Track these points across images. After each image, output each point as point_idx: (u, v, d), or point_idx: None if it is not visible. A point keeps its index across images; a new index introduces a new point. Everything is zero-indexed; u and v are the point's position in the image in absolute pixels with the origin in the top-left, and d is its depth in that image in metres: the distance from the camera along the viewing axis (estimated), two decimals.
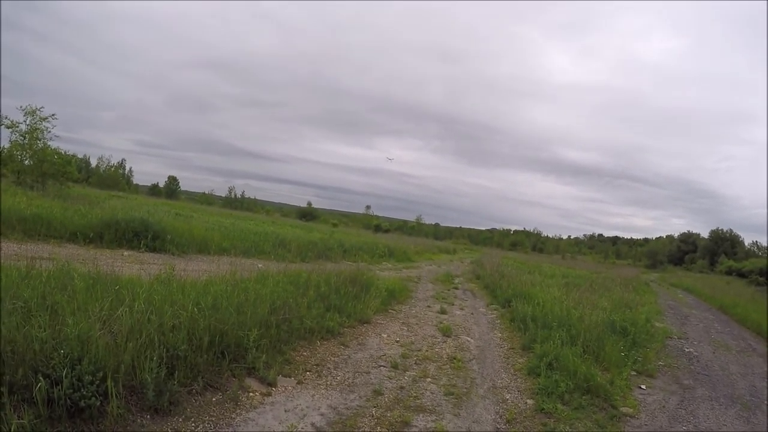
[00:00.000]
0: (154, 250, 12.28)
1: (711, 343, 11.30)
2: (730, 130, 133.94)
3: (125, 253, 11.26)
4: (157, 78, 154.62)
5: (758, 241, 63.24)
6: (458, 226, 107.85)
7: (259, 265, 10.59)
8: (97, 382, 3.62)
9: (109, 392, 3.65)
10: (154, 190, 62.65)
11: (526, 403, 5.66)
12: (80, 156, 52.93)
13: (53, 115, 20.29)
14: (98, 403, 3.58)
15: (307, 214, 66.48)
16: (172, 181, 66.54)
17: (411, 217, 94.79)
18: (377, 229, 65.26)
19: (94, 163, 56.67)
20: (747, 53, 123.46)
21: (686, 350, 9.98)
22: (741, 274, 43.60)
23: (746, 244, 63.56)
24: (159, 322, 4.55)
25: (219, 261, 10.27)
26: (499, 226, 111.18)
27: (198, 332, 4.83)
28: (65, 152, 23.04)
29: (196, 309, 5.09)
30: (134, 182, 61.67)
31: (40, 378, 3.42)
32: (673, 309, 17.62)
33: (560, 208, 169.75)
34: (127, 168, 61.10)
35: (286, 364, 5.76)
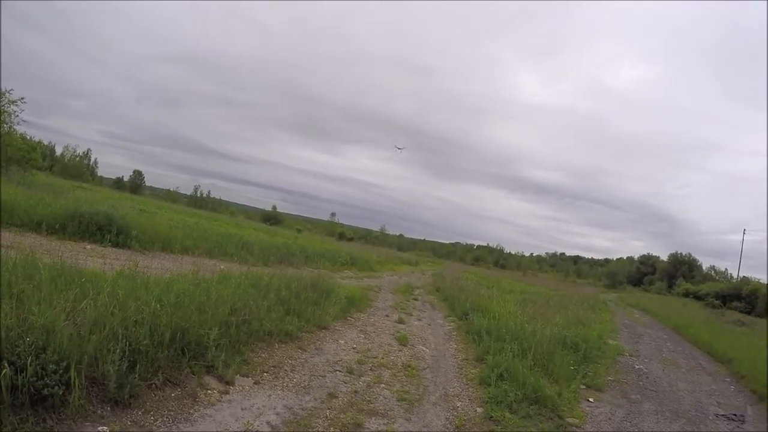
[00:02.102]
0: (117, 245, 12.31)
1: (662, 361, 11.98)
2: (691, 157, 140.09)
3: (88, 247, 11.23)
4: (130, 70, 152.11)
5: (715, 265, 66.03)
6: (422, 238, 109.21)
7: (222, 266, 10.72)
8: (61, 371, 3.78)
9: (72, 382, 3.81)
10: (118, 183, 61.02)
11: (475, 410, 6.02)
12: (46, 143, 51.26)
13: (22, 98, 19.84)
14: (61, 393, 3.74)
15: (272, 217, 66.09)
16: (138, 175, 65.09)
17: (376, 227, 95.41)
18: (341, 237, 65.50)
19: (59, 151, 54.87)
20: (711, 85, 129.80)
21: (636, 367, 10.57)
22: (698, 297, 45.80)
23: (704, 268, 66.26)
24: (122, 316, 4.71)
25: (182, 260, 10.36)
26: (462, 241, 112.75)
27: (160, 328, 5.00)
28: (30, 138, 22.47)
29: (158, 305, 5.26)
30: (99, 174, 59.96)
31: (5, 365, 3.56)
32: (628, 328, 18.44)
33: (523, 226, 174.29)
34: (92, 159, 59.24)
35: (245, 364, 5.97)
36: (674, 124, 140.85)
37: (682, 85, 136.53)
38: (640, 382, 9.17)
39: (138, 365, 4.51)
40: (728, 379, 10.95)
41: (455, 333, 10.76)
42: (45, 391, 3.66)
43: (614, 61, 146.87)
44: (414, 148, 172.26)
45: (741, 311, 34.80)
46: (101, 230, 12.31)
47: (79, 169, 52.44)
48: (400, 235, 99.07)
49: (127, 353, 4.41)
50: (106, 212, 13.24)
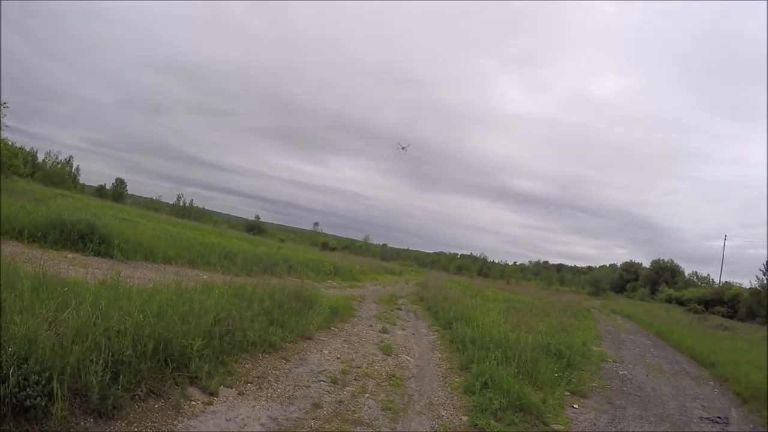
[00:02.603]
0: (99, 254, 12.23)
1: (645, 366, 12.17)
2: (673, 166, 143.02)
3: (70, 255, 11.15)
4: (113, 76, 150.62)
5: (698, 271, 66.96)
6: (406, 247, 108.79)
7: (205, 276, 10.68)
8: (43, 382, 3.77)
9: (55, 393, 3.80)
10: (100, 191, 59.96)
11: (460, 419, 6.08)
12: (27, 149, 50.36)
13: (5, 103, 19.50)
14: (43, 404, 3.72)
15: (255, 227, 65.66)
16: (120, 183, 64.08)
17: (359, 237, 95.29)
18: (324, 246, 65.32)
19: (41, 157, 53.91)
20: (691, 95, 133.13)
21: (620, 373, 10.74)
22: (680, 302, 46.60)
23: (686, 274, 67.16)
24: (105, 327, 4.70)
25: (165, 269, 10.31)
26: (446, 250, 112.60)
27: (143, 339, 4.99)
28: (12, 144, 22.06)
29: (141, 316, 5.25)
30: (81, 181, 58.88)
31: None
32: (611, 334, 18.72)
33: (507, 235, 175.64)
34: (74, 166, 58.18)
35: (228, 374, 5.97)
36: (656, 133, 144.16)
37: (663, 96, 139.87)
38: (625, 388, 9.32)
39: (121, 376, 4.49)
40: (712, 383, 11.17)
41: (439, 342, 10.82)
42: (27, 402, 3.64)
43: (596, 72, 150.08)
44: (397, 158, 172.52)
45: (723, 316, 35.54)
46: (83, 239, 12.26)
47: (61, 176, 51.61)
48: (384, 245, 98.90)
49: (109, 364, 4.40)
50: (89, 221, 13.18)
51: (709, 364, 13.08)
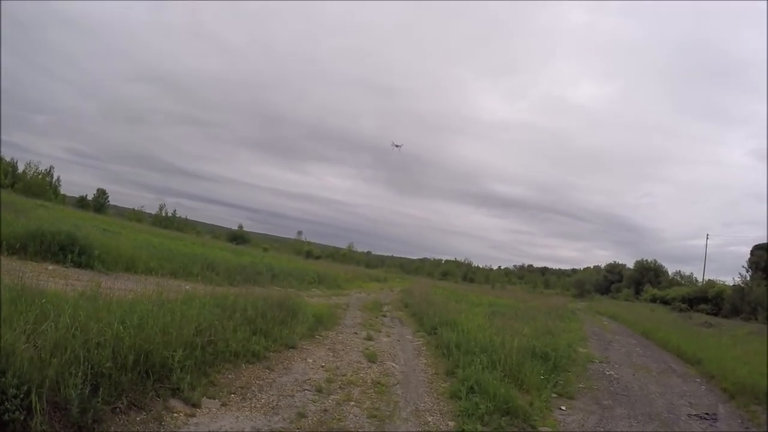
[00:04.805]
0: (80, 265, 12.20)
1: (632, 366, 12.33)
2: (651, 169, 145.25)
3: (50, 267, 11.11)
4: (95, 86, 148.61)
5: (681, 270, 67.58)
6: (390, 254, 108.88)
7: (187, 287, 10.63)
8: (22, 395, 3.77)
9: (34, 407, 3.80)
10: (82, 202, 58.86)
11: (447, 424, 6.15)
12: (8, 159, 49.54)
13: None
14: (22, 418, 3.72)
15: (238, 237, 65.04)
16: (101, 194, 63.00)
17: (343, 245, 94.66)
18: (308, 255, 65.01)
19: (21, 168, 53.02)
20: (668, 100, 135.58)
21: (607, 373, 10.88)
22: (665, 302, 47.01)
23: (670, 273, 67.85)
24: (84, 339, 4.69)
25: (146, 281, 10.23)
26: (430, 256, 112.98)
27: (123, 350, 4.99)
28: None
29: (121, 327, 5.25)
30: (61, 192, 57.92)
31: None
32: (597, 335, 18.94)
33: (490, 239, 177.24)
34: (55, 176, 57.28)
35: (211, 386, 5.98)
36: (634, 137, 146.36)
37: (639, 101, 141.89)
38: (612, 388, 9.45)
39: (101, 389, 4.49)
40: (699, 380, 11.36)
41: (424, 348, 10.90)
42: (6, 417, 3.64)
43: (573, 78, 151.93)
44: (378, 166, 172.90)
45: (708, 313, 35.91)
46: (63, 250, 12.24)
47: (42, 186, 50.83)
48: (368, 252, 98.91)
49: (89, 377, 4.40)
50: (69, 232, 13.16)
51: (696, 362, 13.24)
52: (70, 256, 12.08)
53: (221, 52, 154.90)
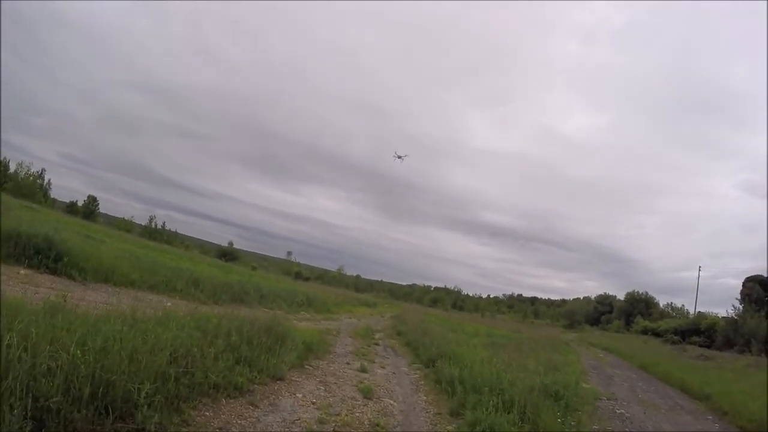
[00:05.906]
0: (55, 272, 11.54)
1: (640, 402, 11.81)
2: (640, 200, 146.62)
3: (22, 272, 10.49)
4: (92, 92, 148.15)
5: (672, 302, 67.51)
6: (379, 279, 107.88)
7: (168, 303, 9.90)
8: None
9: None
10: (71, 207, 58.34)
11: None
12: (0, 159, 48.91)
13: None
14: None
15: (228, 253, 64.14)
16: (92, 201, 62.35)
17: (333, 267, 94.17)
18: (297, 276, 64.25)
19: (13, 168, 52.30)
20: (659, 132, 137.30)
21: (618, 411, 10.32)
22: (656, 334, 46.89)
23: (661, 305, 67.75)
24: (31, 363, 3.87)
25: (123, 293, 9.47)
26: (419, 282, 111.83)
27: (78, 380, 4.17)
28: None
29: (79, 351, 4.42)
30: (51, 196, 57.27)
31: None
32: (596, 369, 18.50)
33: (479, 267, 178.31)
34: (46, 180, 56.60)
35: (184, 425, 5.09)
36: (623, 169, 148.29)
37: (629, 133, 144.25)
38: (626, 429, 8.95)
39: (46, 427, 3.67)
40: (710, 417, 10.99)
41: (423, 382, 10.12)
42: None
43: (564, 109, 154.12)
44: (369, 189, 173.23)
45: (700, 346, 35.60)
46: (39, 254, 11.59)
47: (32, 188, 50.08)
48: (358, 276, 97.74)
49: (29, 412, 3.57)
50: (46, 234, 12.50)
51: (703, 397, 12.93)
52: (45, 260, 11.43)
53: (218, 67, 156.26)
